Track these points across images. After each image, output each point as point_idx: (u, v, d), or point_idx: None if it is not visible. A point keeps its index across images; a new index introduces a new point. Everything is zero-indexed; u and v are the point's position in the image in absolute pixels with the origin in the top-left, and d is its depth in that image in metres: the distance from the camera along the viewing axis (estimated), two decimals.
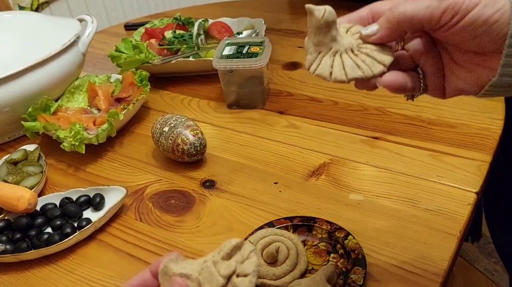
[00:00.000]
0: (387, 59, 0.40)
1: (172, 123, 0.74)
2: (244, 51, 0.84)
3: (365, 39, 0.40)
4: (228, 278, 0.35)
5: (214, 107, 0.89)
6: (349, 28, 0.41)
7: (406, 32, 0.40)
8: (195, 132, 0.73)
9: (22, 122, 0.78)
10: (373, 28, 0.40)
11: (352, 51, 0.40)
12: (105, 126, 0.77)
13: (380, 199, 0.65)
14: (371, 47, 0.40)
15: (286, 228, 0.61)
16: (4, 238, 0.60)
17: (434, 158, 0.70)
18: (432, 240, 0.58)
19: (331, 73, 0.39)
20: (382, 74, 0.40)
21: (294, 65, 1.00)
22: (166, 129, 0.73)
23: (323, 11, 0.38)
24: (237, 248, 0.37)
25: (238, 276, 0.35)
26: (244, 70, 0.83)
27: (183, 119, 0.75)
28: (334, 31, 0.39)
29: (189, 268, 0.36)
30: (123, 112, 0.79)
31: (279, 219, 0.62)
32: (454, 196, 0.64)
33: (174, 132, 0.73)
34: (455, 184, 0.66)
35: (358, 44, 0.41)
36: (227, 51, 0.85)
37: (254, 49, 0.85)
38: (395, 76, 0.40)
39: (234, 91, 0.87)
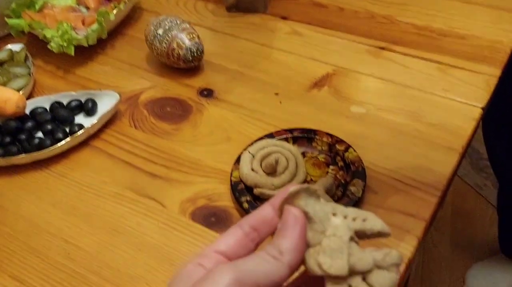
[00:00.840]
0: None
1: (166, 26, 0.69)
2: None
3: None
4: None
5: (212, 10, 0.84)
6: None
7: None
8: (191, 36, 0.69)
9: (6, 19, 0.73)
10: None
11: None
12: (95, 26, 0.72)
13: (383, 112, 0.63)
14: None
15: (285, 139, 0.59)
16: None
17: (441, 71, 0.68)
18: (433, 155, 0.57)
19: None
20: None
21: None
22: (160, 31, 0.69)
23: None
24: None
25: (364, 279, 0.29)
26: None
27: (178, 21, 0.70)
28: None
29: (318, 217, 0.29)
30: (114, 12, 0.74)
31: (278, 131, 0.60)
32: (459, 110, 0.62)
33: (169, 35, 0.68)
34: (461, 98, 0.63)
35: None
36: None
37: None
38: None
39: None
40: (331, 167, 0.57)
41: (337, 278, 0.28)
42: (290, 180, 0.54)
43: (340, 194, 0.53)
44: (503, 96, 0.96)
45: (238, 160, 0.57)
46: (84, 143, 0.62)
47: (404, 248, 0.48)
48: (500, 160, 1.09)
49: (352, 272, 0.28)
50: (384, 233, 0.30)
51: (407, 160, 0.57)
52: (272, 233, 0.30)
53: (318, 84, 0.68)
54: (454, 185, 1.56)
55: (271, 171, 0.55)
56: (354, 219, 0.30)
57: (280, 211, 0.30)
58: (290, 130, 0.60)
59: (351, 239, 0.29)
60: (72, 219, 0.54)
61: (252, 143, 0.58)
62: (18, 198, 0.57)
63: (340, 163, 0.57)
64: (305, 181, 0.55)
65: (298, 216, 0.28)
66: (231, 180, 0.55)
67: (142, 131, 0.64)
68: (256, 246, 0.30)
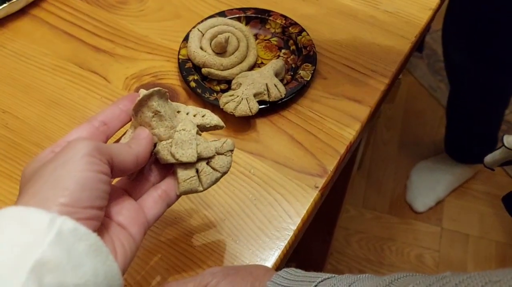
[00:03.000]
0: None
1: None
2: None
3: None
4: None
5: None
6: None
7: None
8: None
9: None
10: None
11: None
12: None
13: None
14: None
15: (238, 19, 0.57)
16: None
17: None
18: (386, 42, 0.57)
19: None
20: None
21: None
22: None
23: None
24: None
25: (208, 163, 0.36)
26: None
27: None
28: None
29: (167, 115, 0.35)
30: None
31: (231, 10, 0.58)
32: (417, 0, 0.61)
33: None
34: None
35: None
36: None
37: None
38: None
39: None
40: (283, 50, 0.56)
41: (187, 165, 0.35)
42: (240, 62, 0.53)
43: (290, 78, 0.53)
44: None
45: (186, 38, 0.55)
46: (23, 12, 0.58)
47: (347, 132, 0.50)
48: (454, 63, 1.11)
49: (199, 159, 0.35)
50: (220, 126, 0.38)
51: (359, 47, 0.56)
52: (121, 126, 0.35)
53: None
54: (408, 86, 1.59)
55: (221, 51, 0.53)
56: (194, 116, 0.37)
57: (135, 111, 0.34)
58: (244, 9, 0.57)
59: (197, 132, 0.36)
60: (10, 90, 0.52)
61: (202, 21, 0.56)
62: None
63: (292, 47, 0.56)
64: (255, 63, 0.54)
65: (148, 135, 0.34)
66: (178, 58, 0.53)
67: (86, 2, 0.60)
68: (106, 139, 0.34)
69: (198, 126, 0.37)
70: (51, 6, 0.59)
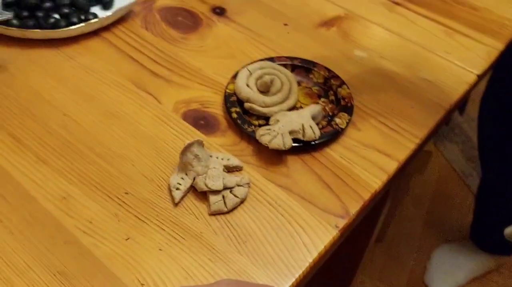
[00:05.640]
0: None
1: None
2: None
3: None
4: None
5: None
6: None
7: None
8: None
9: None
10: None
11: None
12: None
13: (383, 60, 0.65)
14: None
15: (285, 66, 0.62)
16: (11, 12, 0.60)
17: (448, 35, 0.70)
18: (420, 106, 0.60)
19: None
20: None
21: None
22: None
23: None
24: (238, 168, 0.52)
25: (231, 191, 0.49)
26: None
27: None
28: None
29: (203, 157, 0.49)
30: None
31: (280, 56, 0.63)
32: (455, 73, 0.64)
33: None
34: (460, 62, 0.66)
35: None
36: None
37: None
38: None
39: None
40: (322, 99, 0.60)
41: (216, 192, 0.48)
42: (281, 102, 0.57)
43: (325, 124, 0.57)
44: (501, 84, 0.98)
45: (235, 76, 0.60)
46: (95, 33, 0.65)
47: (373, 181, 0.52)
48: (487, 149, 1.12)
49: (225, 188, 0.48)
50: (240, 167, 0.52)
51: (395, 106, 0.60)
52: None
53: (328, 23, 0.70)
54: (440, 168, 1.60)
55: (265, 90, 0.58)
56: (222, 159, 0.51)
57: (181, 155, 0.48)
58: (291, 58, 0.63)
59: (223, 169, 0.50)
60: (74, 97, 0.57)
61: (252, 62, 0.61)
62: (27, 69, 0.60)
63: (332, 97, 0.60)
64: (294, 106, 0.58)
65: None
66: (225, 91, 0.58)
67: (152, 34, 0.66)
68: None
69: (224, 166, 0.50)
70: (120, 32, 0.66)
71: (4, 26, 0.60)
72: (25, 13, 0.63)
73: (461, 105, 0.75)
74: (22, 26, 0.61)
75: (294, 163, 0.53)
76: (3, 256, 0.44)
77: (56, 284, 0.43)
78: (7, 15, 0.57)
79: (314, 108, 0.56)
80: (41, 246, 0.45)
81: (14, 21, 0.61)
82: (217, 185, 0.48)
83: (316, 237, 0.47)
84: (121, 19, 0.67)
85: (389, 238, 1.43)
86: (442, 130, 1.65)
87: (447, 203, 1.51)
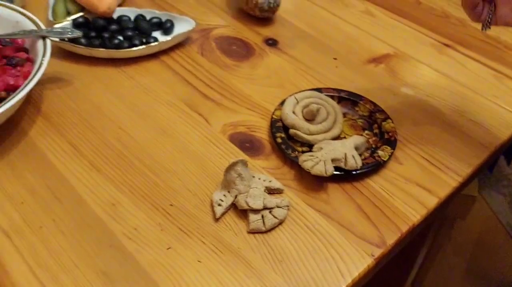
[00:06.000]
0: None
1: None
2: None
3: None
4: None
5: None
6: None
7: None
8: None
9: None
10: None
11: None
12: None
13: (430, 98, 0.66)
14: None
15: (332, 97, 0.64)
16: (80, 32, 0.66)
17: (497, 79, 0.70)
18: (464, 145, 0.60)
19: None
20: None
21: None
22: None
23: None
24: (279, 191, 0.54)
25: (270, 212, 0.50)
26: None
27: None
28: None
29: (246, 177, 0.52)
30: None
31: (327, 88, 0.65)
32: (502, 117, 0.64)
33: None
34: (508, 106, 0.66)
35: None
36: None
37: None
38: None
39: None
40: (366, 131, 0.61)
41: (256, 211, 0.50)
42: (326, 131, 0.59)
43: (368, 155, 0.58)
44: None
45: (282, 103, 0.62)
46: (155, 56, 0.69)
47: (412, 215, 0.52)
48: None
49: (264, 208, 0.50)
50: (281, 189, 0.53)
51: (438, 143, 0.60)
52: None
53: (377, 60, 0.72)
54: (486, 219, 1.55)
55: (310, 118, 0.59)
56: (264, 180, 0.53)
57: (225, 172, 0.51)
58: (338, 90, 0.64)
59: (264, 190, 0.52)
60: (130, 113, 0.61)
61: (300, 91, 0.63)
62: (91, 85, 0.65)
63: (376, 131, 0.61)
64: (339, 136, 0.60)
65: None
66: (271, 117, 0.60)
67: (207, 60, 0.70)
68: None
69: (265, 187, 0.53)
70: (178, 56, 0.70)
71: (73, 44, 0.65)
72: (93, 34, 0.68)
73: (508, 153, 0.74)
74: (89, 45, 0.66)
75: (335, 190, 0.54)
76: (53, 254, 0.47)
77: (99, 284, 0.45)
78: (77, 33, 0.62)
79: (357, 139, 0.57)
80: (88, 247, 0.47)
81: (82, 40, 0.66)
82: (257, 204, 0.50)
83: (352, 264, 0.48)
84: (179, 45, 0.71)
85: (427, 284, 1.39)
86: (488, 178, 1.61)
87: (490, 254, 1.46)
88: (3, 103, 0.52)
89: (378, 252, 0.49)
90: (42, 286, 0.44)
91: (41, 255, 0.47)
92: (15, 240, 0.48)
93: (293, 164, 0.56)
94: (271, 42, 0.74)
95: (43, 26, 0.61)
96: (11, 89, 0.56)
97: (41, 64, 0.56)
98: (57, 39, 0.63)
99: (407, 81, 0.69)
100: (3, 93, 0.55)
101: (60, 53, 0.68)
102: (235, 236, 0.49)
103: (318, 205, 0.53)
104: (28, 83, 0.54)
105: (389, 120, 0.61)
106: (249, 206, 0.50)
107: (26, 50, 0.61)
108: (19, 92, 0.53)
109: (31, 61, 0.59)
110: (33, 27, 0.61)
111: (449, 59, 0.73)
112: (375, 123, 0.62)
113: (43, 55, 0.57)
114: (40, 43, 0.59)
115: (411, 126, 0.62)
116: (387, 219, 0.52)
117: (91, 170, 0.54)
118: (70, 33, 0.61)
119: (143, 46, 0.67)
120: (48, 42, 0.59)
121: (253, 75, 0.68)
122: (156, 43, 0.68)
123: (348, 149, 0.55)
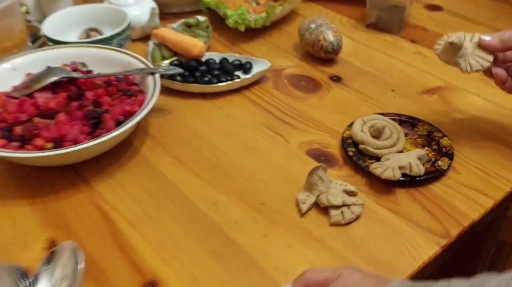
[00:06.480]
0: (490, 58, 0.64)
1: (318, 23, 0.88)
2: None
3: (480, 42, 0.64)
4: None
5: (354, 25, 1.02)
6: (472, 37, 0.65)
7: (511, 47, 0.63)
8: (335, 34, 0.87)
9: None
10: (488, 37, 0.63)
11: (472, 54, 0.64)
12: (263, 14, 0.93)
13: (482, 122, 0.75)
14: (482, 53, 0.64)
15: (393, 120, 0.73)
16: (180, 69, 0.79)
17: None
18: None
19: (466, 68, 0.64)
20: (489, 67, 0.64)
21: (435, 7, 1.08)
22: (312, 26, 0.88)
23: (451, 42, 0.64)
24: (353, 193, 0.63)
25: (348, 208, 0.60)
26: None
27: (328, 22, 0.88)
28: (462, 49, 0.64)
29: (326, 180, 0.62)
30: (280, 7, 0.95)
31: (389, 113, 0.75)
32: None
33: (319, 30, 0.87)
34: None
35: (474, 50, 0.64)
36: None
37: None
38: (500, 71, 0.66)
39: (376, 14, 0.98)
40: (426, 148, 0.70)
41: (336, 207, 0.59)
42: (391, 147, 0.68)
43: (429, 166, 0.66)
44: None
45: (350, 125, 0.72)
46: (237, 91, 0.82)
47: (472, 213, 0.60)
48: None
49: (343, 205, 0.59)
50: (355, 192, 0.62)
51: (492, 159, 0.68)
52: None
53: (430, 91, 0.82)
54: None
55: (377, 135, 0.69)
56: (340, 185, 0.62)
57: (309, 175, 0.61)
58: (398, 115, 0.74)
59: (343, 191, 0.61)
60: (220, 135, 0.73)
61: (365, 115, 0.73)
62: (186, 113, 0.77)
63: (434, 147, 0.70)
64: (401, 151, 0.69)
65: None
66: (342, 136, 0.70)
67: (281, 93, 0.82)
68: None
69: (344, 190, 0.62)
70: (256, 90, 0.82)
71: (171, 81, 0.79)
72: (186, 73, 0.81)
73: None
74: (184, 81, 0.79)
75: (401, 194, 0.63)
76: (170, 238, 0.57)
77: (210, 261, 0.54)
78: (178, 70, 0.75)
79: (419, 152, 0.66)
80: (198, 235, 0.57)
81: (178, 78, 0.80)
82: (337, 201, 0.59)
83: (421, 250, 0.55)
84: (257, 82, 0.84)
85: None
86: None
87: None
88: (122, 125, 0.65)
89: (443, 241, 0.57)
90: (164, 261, 0.54)
91: (162, 239, 0.57)
92: (140, 229, 0.58)
93: (364, 173, 0.65)
94: (336, 78, 0.85)
95: (151, 65, 0.75)
96: (128, 115, 0.68)
97: (153, 92, 0.69)
98: (163, 72, 0.76)
99: (459, 107, 0.78)
100: (121, 117, 0.68)
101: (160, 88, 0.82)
102: (319, 228, 0.58)
103: (388, 205, 0.61)
104: (144, 108, 0.67)
105: (446, 138, 0.70)
106: (330, 203, 0.59)
107: (136, 85, 0.74)
108: (137, 115, 0.66)
109: (142, 92, 0.72)
110: (143, 66, 0.75)
111: (497, 90, 0.81)
112: (433, 141, 0.70)
113: (154, 87, 0.70)
114: (149, 78, 0.72)
115: (465, 142, 0.71)
116: (450, 216, 0.60)
117: (193, 177, 0.65)
118: (173, 69, 0.74)
119: (229, 82, 0.79)
120: (157, 76, 0.72)
121: (321, 104, 0.79)
122: (238, 79, 0.80)
123: (412, 159, 0.64)
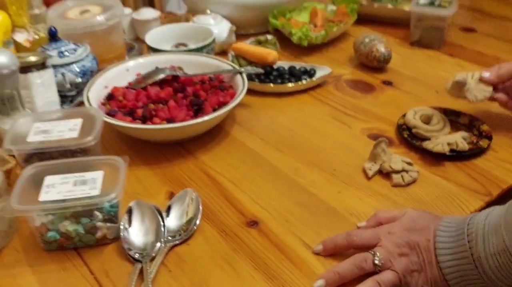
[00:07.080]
0: (490, 89, 0.80)
1: (372, 37, 1.04)
2: (436, 3, 1.11)
3: (481, 79, 0.80)
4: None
5: (399, 43, 1.17)
6: (473, 74, 0.82)
7: (506, 80, 0.79)
8: (386, 46, 1.03)
9: (270, 19, 1.15)
10: (487, 74, 0.80)
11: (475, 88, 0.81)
12: (323, 32, 1.10)
13: None
14: (483, 86, 0.80)
15: (439, 111, 0.87)
16: (262, 69, 0.95)
17: None
18: None
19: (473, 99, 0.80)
20: (489, 97, 0.80)
21: (470, 29, 1.23)
22: (367, 40, 1.04)
23: (457, 81, 0.82)
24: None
25: (407, 173, 0.73)
26: (432, 17, 1.10)
27: (379, 37, 1.05)
28: (467, 85, 0.81)
29: (387, 152, 0.76)
30: (336, 27, 1.12)
31: (435, 107, 0.89)
32: None
33: (372, 43, 1.03)
34: None
35: (476, 85, 0.81)
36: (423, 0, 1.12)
37: (443, 3, 1.11)
38: (501, 95, 0.81)
39: (419, 33, 1.14)
40: (468, 133, 0.84)
41: (397, 171, 0.73)
42: (439, 131, 0.82)
43: (471, 146, 0.79)
44: None
45: (403, 115, 0.86)
46: (304, 91, 0.98)
47: (508, 179, 0.73)
48: None
49: (402, 170, 0.73)
50: (411, 163, 0.75)
51: None
52: None
53: None
54: None
55: (427, 121, 0.83)
56: (399, 156, 0.75)
57: (374, 147, 0.75)
58: (444, 108, 0.88)
59: (402, 161, 0.74)
60: (294, 122, 0.88)
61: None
62: (262, 108, 0.93)
63: (475, 132, 0.83)
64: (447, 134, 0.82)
65: None
66: (397, 122, 0.85)
67: (341, 93, 0.97)
68: None
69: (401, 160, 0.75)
70: (320, 91, 0.98)
71: (251, 81, 0.95)
72: (262, 76, 0.98)
73: None
74: (261, 82, 0.96)
75: (450, 166, 0.76)
76: (263, 191, 0.72)
77: (297, 208, 0.69)
78: (260, 70, 0.92)
79: (464, 133, 0.80)
80: (285, 190, 0.72)
81: (256, 80, 0.96)
82: (398, 166, 0.73)
83: (469, 204, 0.68)
84: (320, 85, 0.99)
85: None
86: None
87: None
88: (218, 111, 0.81)
89: (486, 198, 0.70)
90: (261, 207, 0.69)
91: (257, 192, 0.72)
92: (239, 185, 0.74)
93: (417, 150, 0.79)
94: (387, 83, 1.00)
95: (237, 67, 0.92)
96: (222, 104, 0.84)
97: (243, 87, 0.85)
98: (249, 71, 0.92)
99: (494, 104, 0.91)
100: (216, 107, 0.84)
101: None
102: (383, 188, 0.72)
103: (439, 173, 0.75)
104: (236, 98, 0.83)
105: (485, 124, 0.83)
106: (392, 168, 0.73)
107: (225, 83, 0.91)
108: (230, 104, 0.82)
109: (232, 87, 0.89)
110: (230, 68, 0.92)
111: None
112: (474, 127, 0.84)
113: (243, 83, 0.86)
114: (237, 77, 0.89)
115: (501, 129, 0.84)
116: (491, 181, 0.73)
117: (276, 151, 0.81)
118: (255, 69, 0.91)
119: (298, 83, 0.95)
120: (244, 75, 0.88)
121: (376, 102, 0.94)
122: (304, 81, 0.96)
123: (457, 138, 0.78)
